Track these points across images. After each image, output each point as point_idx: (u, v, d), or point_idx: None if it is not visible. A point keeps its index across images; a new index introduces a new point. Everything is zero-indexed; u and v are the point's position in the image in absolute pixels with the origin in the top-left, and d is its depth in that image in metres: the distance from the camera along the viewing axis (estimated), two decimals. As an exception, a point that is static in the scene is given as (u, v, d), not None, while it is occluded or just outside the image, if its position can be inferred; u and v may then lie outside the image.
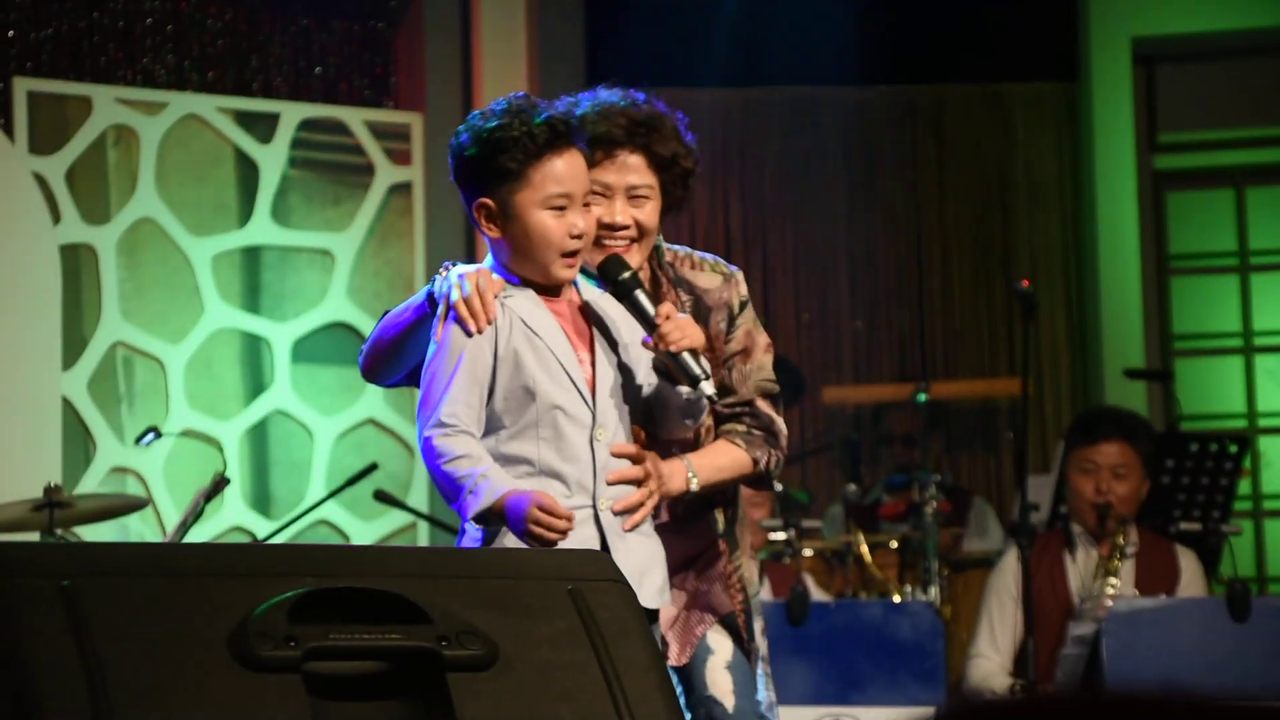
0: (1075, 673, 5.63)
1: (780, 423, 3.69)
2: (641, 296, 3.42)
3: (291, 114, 7.57)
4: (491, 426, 3.37)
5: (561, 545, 3.28)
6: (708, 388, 3.37)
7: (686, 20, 8.43)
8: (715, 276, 3.68)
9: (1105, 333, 8.43)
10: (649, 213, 3.57)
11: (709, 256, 3.72)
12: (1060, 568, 5.87)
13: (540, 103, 3.42)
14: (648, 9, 8.43)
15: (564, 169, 3.36)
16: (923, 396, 7.64)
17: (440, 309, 3.40)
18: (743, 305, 3.68)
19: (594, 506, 3.37)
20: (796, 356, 8.53)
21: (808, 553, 6.90)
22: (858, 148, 8.84)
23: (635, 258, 3.56)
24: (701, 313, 3.64)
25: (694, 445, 3.60)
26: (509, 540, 3.29)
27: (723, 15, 8.44)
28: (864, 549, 6.89)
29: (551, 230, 3.35)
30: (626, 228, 3.55)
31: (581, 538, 3.34)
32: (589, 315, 3.45)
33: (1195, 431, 7.39)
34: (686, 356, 3.37)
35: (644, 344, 3.41)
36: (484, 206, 3.39)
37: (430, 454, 3.34)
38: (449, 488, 3.32)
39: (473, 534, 3.36)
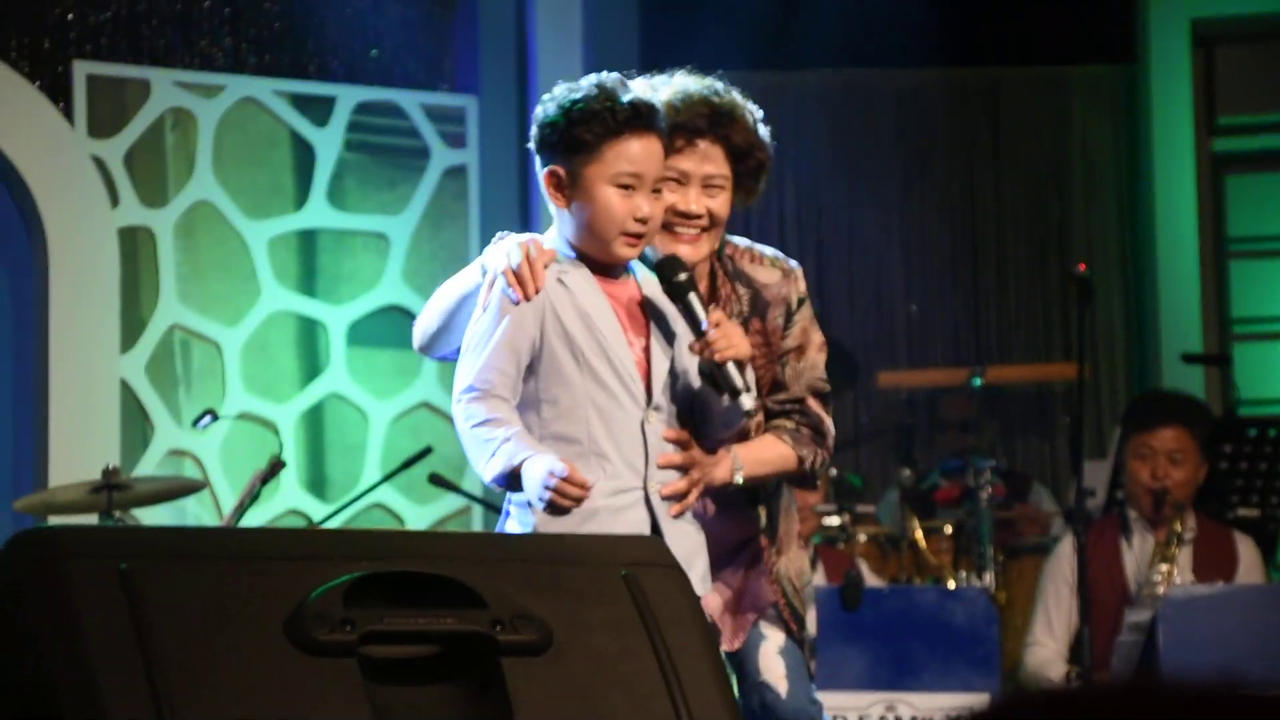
0: (1131, 660, 5.60)
1: (829, 423, 3.68)
2: (695, 300, 3.41)
3: (347, 97, 7.59)
4: (538, 403, 3.37)
5: (615, 529, 3.28)
6: (747, 401, 3.36)
7: (740, 3, 8.40)
8: (775, 271, 3.67)
9: (1162, 317, 8.38)
10: (722, 203, 3.57)
11: (769, 251, 3.71)
12: (1116, 554, 5.84)
13: (631, 85, 3.44)
14: (703, -8, 8.42)
15: (638, 150, 3.37)
16: (978, 381, 7.61)
17: (489, 276, 3.41)
18: (801, 302, 3.67)
19: (645, 489, 3.38)
20: (851, 341, 8.50)
21: (862, 538, 6.89)
22: (912, 131, 8.80)
23: (704, 246, 3.57)
24: (759, 307, 3.63)
25: (743, 438, 3.60)
26: (540, 520, 3.29)
27: (778, -2, 8.42)
28: (919, 534, 6.87)
29: (616, 207, 3.36)
30: (700, 216, 3.55)
31: (633, 520, 3.34)
32: (646, 307, 3.45)
33: (1254, 417, 7.34)
34: (731, 367, 3.36)
35: (690, 348, 3.40)
36: (555, 174, 3.41)
37: (460, 417, 3.36)
38: (475, 451, 3.33)
39: (515, 516, 3.37)
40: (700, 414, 3.45)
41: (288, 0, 7.60)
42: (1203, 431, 5.93)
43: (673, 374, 3.42)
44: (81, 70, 7.13)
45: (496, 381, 3.33)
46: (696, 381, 3.44)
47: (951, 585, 6.63)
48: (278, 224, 7.48)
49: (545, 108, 3.44)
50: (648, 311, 3.44)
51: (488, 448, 3.29)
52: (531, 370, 3.38)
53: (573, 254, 3.44)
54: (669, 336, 3.44)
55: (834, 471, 7.04)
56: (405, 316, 7.57)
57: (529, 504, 3.29)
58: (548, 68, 7.59)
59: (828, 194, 8.74)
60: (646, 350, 3.41)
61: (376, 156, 7.72)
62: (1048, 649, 5.88)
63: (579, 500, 3.21)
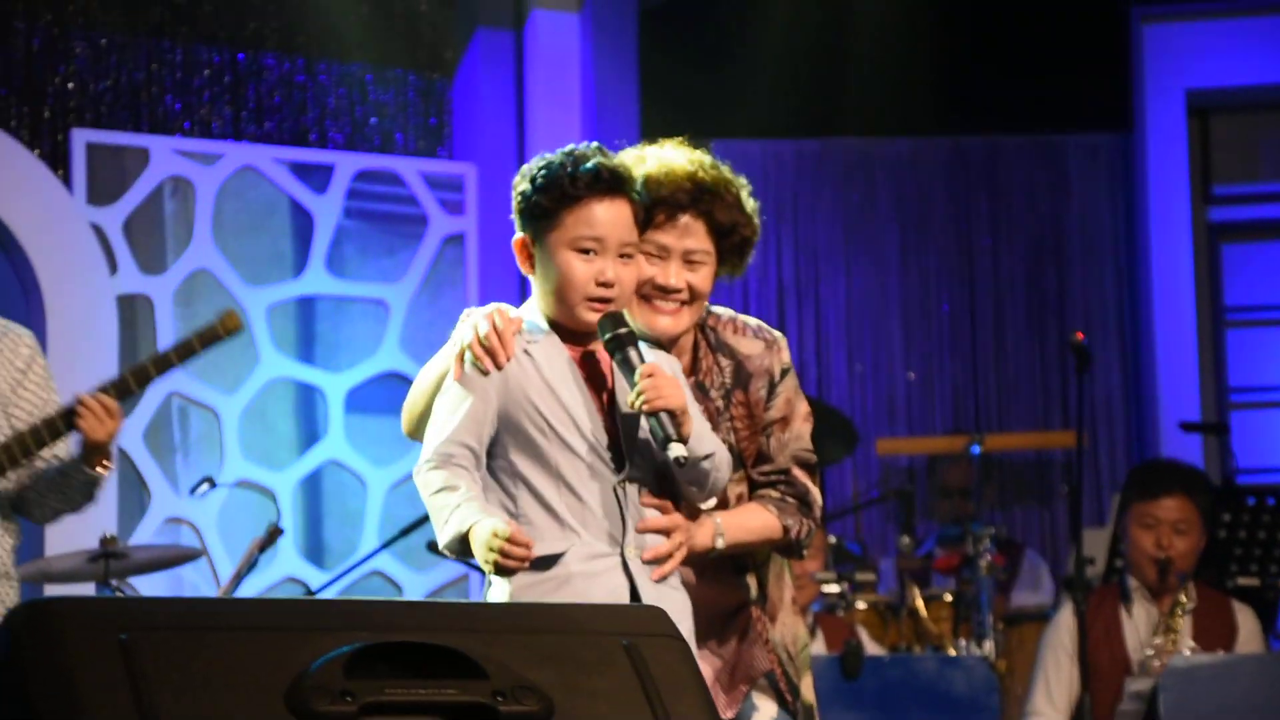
0: (1132, 729, 5.58)
1: (815, 493, 3.66)
2: (632, 353, 3.39)
3: (346, 165, 7.61)
4: (513, 477, 3.37)
5: (591, 595, 3.28)
6: (675, 449, 3.32)
7: (739, 71, 8.45)
8: (758, 343, 3.66)
9: (1161, 385, 8.39)
10: (703, 277, 3.56)
11: (753, 322, 3.70)
12: (1117, 623, 5.82)
13: (612, 154, 3.45)
14: (701, 60, 8.46)
15: (600, 214, 3.38)
16: (977, 449, 7.61)
17: (457, 350, 3.42)
18: (784, 373, 3.66)
19: (622, 555, 3.37)
20: (849, 407, 8.51)
21: (861, 605, 6.87)
22: (910, 198, 8.83)
23: (685, 320, 3.56)
24: (742, 378, 3.62)
25: (722, 507, 3.59)
26: (514, 588, 3.30)
27: (776, 68, 8.45)
28: (918, 602, 6.85)
29: (577, 273, 3.37)
30: (679, 291, 3.54)
31: (610, 585, 3.33)
32: (615, 367, 3.45)
33: (1252, 485, 7.33)
34: (664, 417, 3.35)
35: (625, 404, 3.40)
36: (521, 243, 3.44)
37: (420, 487, 3.37)
38: (434, 519, 3.35)
39: (495, 584, 3.38)
40: (670, 474, 3.45)
41: (288, 69, 7.64)
42: (1204, 501, 5.92)
43: (646, 435, 3.41)
44: (81, 138, 7.16)
45: (455, 452, 3.35)
46: None
47: (951, 653, 6.61)
48: (276, 291, 7.49)
49: (518, 177, 3.47)
50: (616, 374, 3.44)
51: (441, 515, 3.32)
52: (500, 446, 3.38)
53: (545, 323, 3.44)
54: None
55: (832, 539, 7.03)
56: (404, 383, 7.56)
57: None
58: (546, 136, 7.62)
59: (826, 261, 8.76)
60: (618, 414, 3.40)
61: (375, 224, 7.74)
62: (1046, 718, 5.85)
63: (523, 560, 3.21)
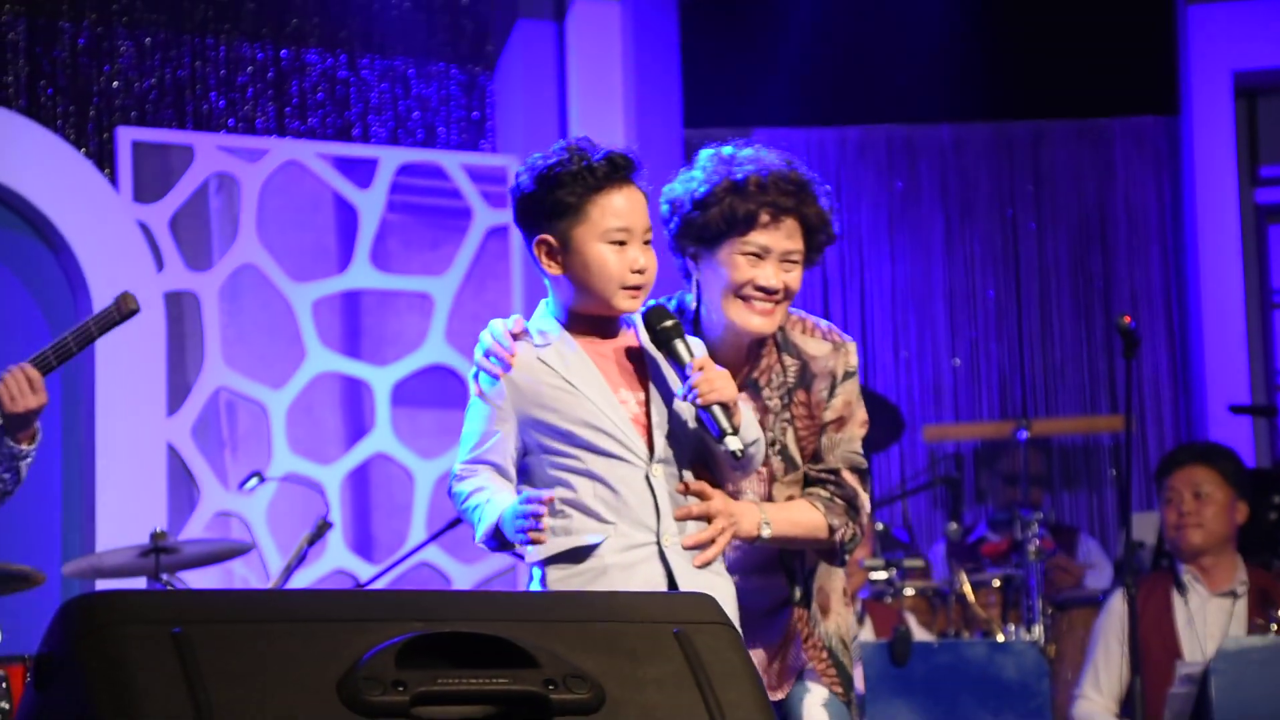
0: (1184, 713, 5.55)
1: (864, 498, 3.65)
2: (680, 346, 3.41)
3: (390, 159, 7.63)
4: (545, 480, 3.40)
5: (629, 586, 3.29)
6: (732, 443, 3.34)
7: (781, 60, 8.43)
8: (825, 344, 3.66)
9: (1208, 367, 8.34)
10: (796, 277, 3.59)
11: (823, 323, 3.70)
12: (1168, 608, 5.80)
13: (600, 143, 3.45)
14: (743, 48, 8.45)
15: (623, 204, 3.39)
16: (1024, 434, 7.59)
17: (470, 374, 3.48)
18: (847, 375, 3.66)
19: (659, 543, 3.37)
20: (896, 394, 8.49)
21: (910, 592, 6.86)
22: (955, 184, 8.80)
23: (777, 318, 3.58)
24: (805, 379, 3.62)
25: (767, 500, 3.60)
26: (553, 578, 3.33)
27: (817, 54, 8.44)
28: (967, 588, 6.83)
29: (612, 264, 3.38)
30: (777, 291, 3.56)
31: (646, 575, 3.34)
32: (644, 358, 3.45)
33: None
34: (717, 410, 3.35)
35: (677, 396, 3.41)
36: (544, 243, 3.42)
37: (455, 502, 3.42)
38: (469, 521, 3.39)
39: (535, 576, 3.41)
40: (710, 459, 3.46)
41: (330, 64, 7.66)
42: (1229, 466, 5.87)
43: (679, 421, 3.42)
44: (127, 136, 7.19)
45: (478, 468, 3.39)
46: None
47: (1000, 639, 6.59)
48: (322, 286, 7.51)
49: (520, 180, 3.45)
50: (646, 363, 3.45)
51: (475, 516, 3.36)
52: (530, 452, 3.41)
53: (564, 321, 3.45)
54: (668, 381, 3.44)
55: (880, 526, 7.01)
56: (449, 376, 7.59)
57: (540, 563, 3.35)
58: (588, 126, 7.62)
59: (871, 247, 8.74)
60: (645, 403, 3.41)
61: (419, 217, 7.75)
62: (1096, 703, 5.84)
63: (539, 516, 3.24)
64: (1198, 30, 8.39)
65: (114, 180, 7.16)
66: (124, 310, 4.47)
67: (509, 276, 7.76)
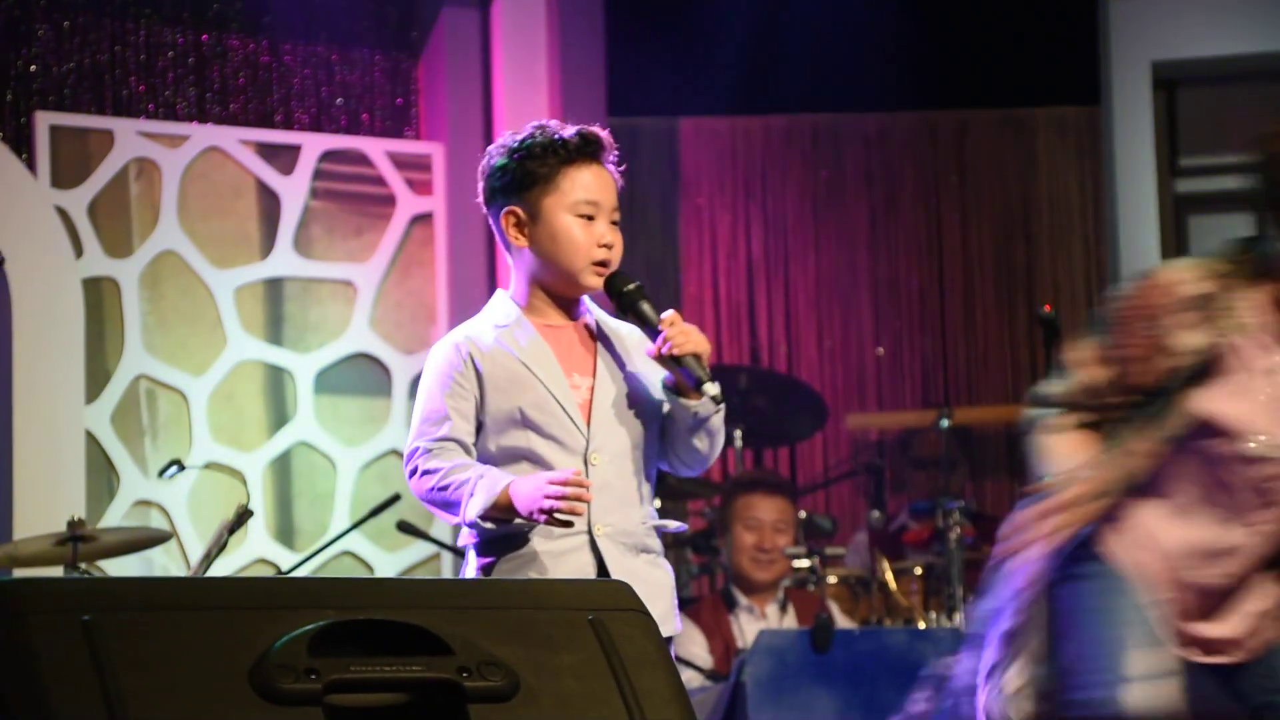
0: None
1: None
2: (645, 306, 3.45)
3: (313, 145, 7.59)
4: (488, 460, 3.38)
5: (558, 574, 3.28)
6: (711, 389, 3.38)
7: (706, 48, 8.43)
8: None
9: (1129, 357, 8.39)
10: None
11: None
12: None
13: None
14: (668, 37, 8.44)
15: (592, 179, 3.43)
16: (946, 422, 7.62)
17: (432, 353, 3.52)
18: None
19: (589, 532, 3.37)
20: (819, 383, 8.51)
21: (832, 580, 6.88)
22: (879, 173, 8.83)
23: None
24: None
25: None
26: (506, 565, 3.31)
27: (743, 43, 8.44)
28: (889, 576, 6.87)
29: (579, 236, 3.40)
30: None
31: (576, 564, 3.34)
32: (597, 336, 3.46)
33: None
34: (691, 361, 3.39)
35: (648, 354, 3.42)
36: (512, 213, 3.43)
37: (419, 479, 3.36)
38: (448, 499, 3.33)
39: (472, 562, 3.39)
40: (670, 429, 3.46)
41: (253, 49, 7.61)
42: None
43: (629, 402, 3.42)
44: (44, 121, 7.12)
45: (447, 434, 3.36)
46: (660, 397, 3.44)
47: (922, 626, 6.63)
48: (244, 273, 7.46)
49: (490, 158, 3.49)
50: (598, 346, 3.45)
51: (464, 489, 3.31)
52: (481, 432, 3.39)
53: (524, 303, 3.45)
54: (619, 365, 3.45)
55: (803, 514, 7.04)
56: (373, 364, 7.56)
57: (476, 545, 3.35)
58: (514, 114, 7.60)
59: (795, 237, 8.76)
60: (593, 387, 3.41)
61: (343, 204, 7.71)
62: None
63: (582, 499, 3.24)
64: (1119, 20, 8.44)
65: (31, 165, 7.09)
66: None
67: (434, 264, 7.73)
